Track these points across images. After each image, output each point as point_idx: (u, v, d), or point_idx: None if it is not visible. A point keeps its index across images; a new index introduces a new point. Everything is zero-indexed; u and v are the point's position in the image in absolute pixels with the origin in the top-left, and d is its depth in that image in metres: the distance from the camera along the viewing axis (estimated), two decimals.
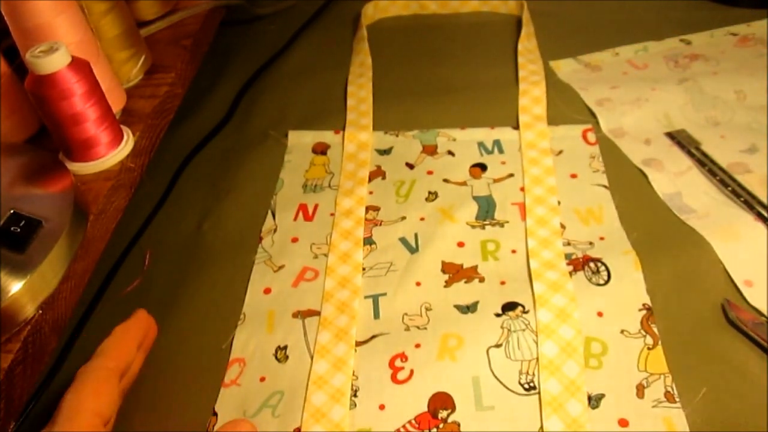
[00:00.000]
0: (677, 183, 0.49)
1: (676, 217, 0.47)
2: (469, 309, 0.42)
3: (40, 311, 0.37)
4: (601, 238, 0.46)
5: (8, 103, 0.46)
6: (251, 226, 0.50)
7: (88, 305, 0.46)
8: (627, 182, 0.50)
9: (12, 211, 0.38)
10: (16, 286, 0.35)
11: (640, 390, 0.37)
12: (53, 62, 0.41)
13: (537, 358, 0.39)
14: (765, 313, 0.40)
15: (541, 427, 0.36)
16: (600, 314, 0.41)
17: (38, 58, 0.41)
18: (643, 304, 0.41)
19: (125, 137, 0.48)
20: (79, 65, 0.43)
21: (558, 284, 0.43)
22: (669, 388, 0.37)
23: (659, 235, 0.45)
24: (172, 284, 0.47)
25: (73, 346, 0.44)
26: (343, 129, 0.57)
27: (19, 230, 0.37)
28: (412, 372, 0.39)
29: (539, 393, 0.37)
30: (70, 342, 0.44)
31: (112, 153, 0.46)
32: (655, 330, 0.40)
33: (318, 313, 0.43)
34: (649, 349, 0.39)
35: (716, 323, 0.40)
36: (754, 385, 0.37)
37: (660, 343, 0.39)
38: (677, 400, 0.36)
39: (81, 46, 0.46)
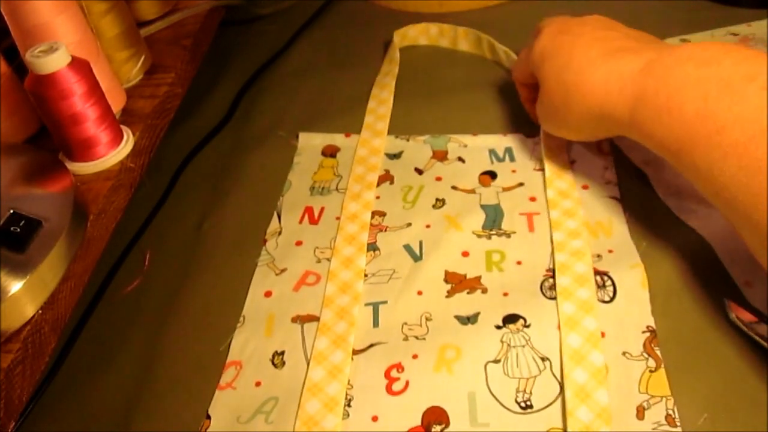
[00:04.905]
0: (677, 183, 0.49)
1: (677, 217, 0.47)
2: (469, 320, 0.41)
3: (40, 311, 0.37)
4: (610, 251, 0.45)
5: (8, 103, 0.46)
6: (252, 226, 0.50)
7: (88, 305, 0.46)
8: (627, 182, 0.50)
9: (12, 211, 0.38)
10: (16, 286, 0.35)
11: (641, 412, 0.36)
12: (53, 62, 0.41)
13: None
14: (765, 313, 0.40)
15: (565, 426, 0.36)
16: (603, 335, 0.40)
17: (38, 57, 0.41)
18: (647, 326, 0.40)
19: (125, 137, 0.48)
20: (79, 65, 0.43)
21: (584, 278, 0.42)
22: (670, 412, 0.36)
23: (659, 235, 0.45)
24: (172, 284, 0.47)
25: (73, 346, 0.44)
26: (359, 133, 0.57)
27: (19, 230, 0.37)
28: (407, 383, 0.39)
29: (562, 389, 0.37)
30: (70, 342, 0.44)
31: (112, 153, 0.46)
32: (658, 353, 0.39)
33: (317, 319, 0.43)
34: (651, 371, 0.38)
35: (716, 323, 0.40)
36: (754, 385, 0.37)
37: (662, 366, 0.38)
38: (678, 424, 0.35)
39: (81, 46, 0.46)
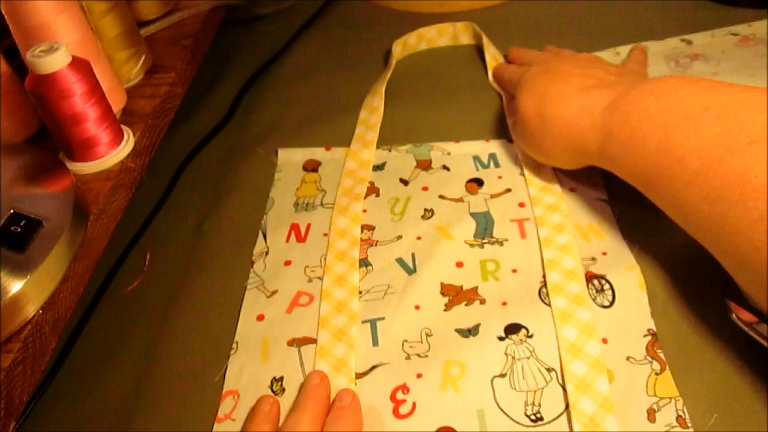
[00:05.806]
0: None
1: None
2: (470, 332, 0.40)
3: (40, 311, 0.37)
4: (604, 253, 0.44)
5: (8, 103, 0.47)
6: (252, 226, 0.50)
7: (88, 305, 0.46)
8: (625, 184, 0.50)
9: (12, 211, 0.38)
10: (16, 286, 0.35)
11: (651, 414, 0.36)
12: (53, 62, 0.41)
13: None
14: (765, 313, 0.40)
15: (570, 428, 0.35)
16: (605, 341, 0.39)
17: (38, 57, 0.41)
18: (648, 330, 0.40)
19: (125, 137, 0.48)
20: (80, 65, 0.43)
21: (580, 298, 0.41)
22: (680, 412, 0.36)
23: (657, 235, 0.45)
24: (172, 284, 0.47)
25: (73, 346, 0.44)
26: (341, 145, 0.56)
27: (19, 230, 0.37)
28: (414, 405, 0.37)
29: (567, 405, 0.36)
30: (70, 342, 0.44)
31: (113, 153, 0.46)
32: (662, 355, 0.38)
33: (314, 341, 0.41)
34: (656, 374, 0.38)
35: (716, 323, 0.40)
36: (754, 385, 0.37)
37: (667, 367, 0.38)
38: (689, 425, 0.35)
39: (81, 46, 0.46)
